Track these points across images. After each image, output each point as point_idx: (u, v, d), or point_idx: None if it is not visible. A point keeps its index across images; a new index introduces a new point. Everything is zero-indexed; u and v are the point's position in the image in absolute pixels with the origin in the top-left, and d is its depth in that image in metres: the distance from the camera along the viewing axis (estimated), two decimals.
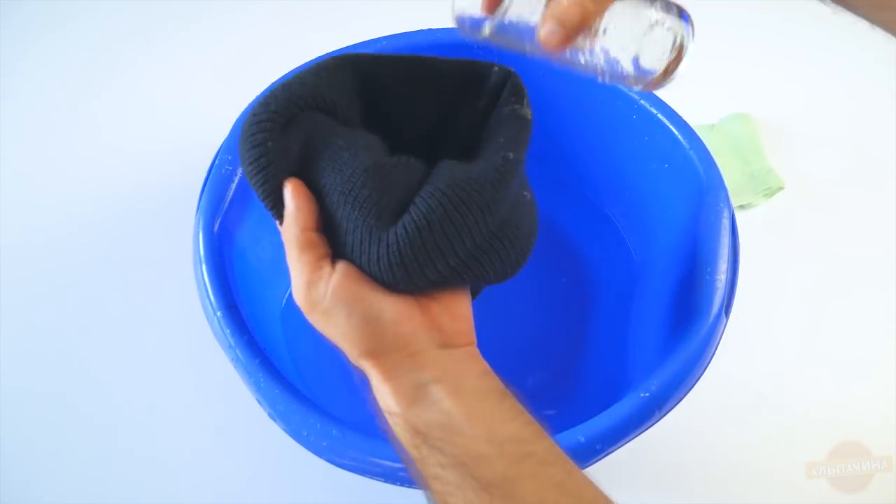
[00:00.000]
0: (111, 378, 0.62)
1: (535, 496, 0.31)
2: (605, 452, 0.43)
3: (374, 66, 0.38)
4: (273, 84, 0.37)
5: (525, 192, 0.38)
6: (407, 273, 0.33)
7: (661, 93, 0.57)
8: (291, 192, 0.34)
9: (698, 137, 0.55)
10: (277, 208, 0.35)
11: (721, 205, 0.52)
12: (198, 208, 0.51)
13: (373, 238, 0.33)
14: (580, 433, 0.43)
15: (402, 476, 0.41)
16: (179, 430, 0.60)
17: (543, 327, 0.64)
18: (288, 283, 0.36)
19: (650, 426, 0.45)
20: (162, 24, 0.85)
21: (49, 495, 0.57)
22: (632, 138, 0.59)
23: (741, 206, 0.71)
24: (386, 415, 0.34)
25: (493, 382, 0.34)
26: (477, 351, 0.36)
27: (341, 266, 0.34)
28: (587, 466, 0.43)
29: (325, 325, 0.34)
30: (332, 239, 0.35)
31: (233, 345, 0.46)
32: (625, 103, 0.57)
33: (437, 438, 0.32)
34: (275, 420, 0.45)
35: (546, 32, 0.32)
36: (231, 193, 0.52)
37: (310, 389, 0.46)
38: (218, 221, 0.51)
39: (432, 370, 0.33)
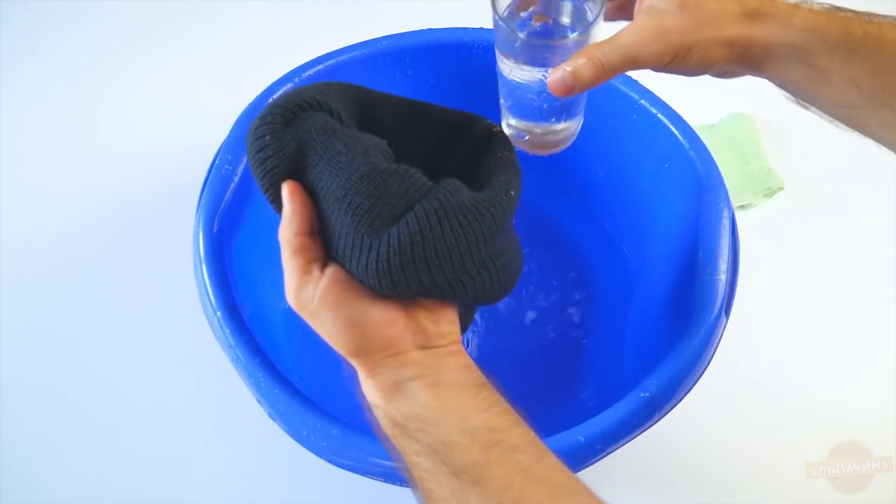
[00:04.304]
0: (112, 378, 0.62)
1: (502, 480, 0.32)
2: (605, 452, 0.43)
3: (372, 100, 0.40)
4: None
5: (515, 233, 0.40)
6: (392, 282, 0.34)
7: (661, 92, 0.57)
8: (288, 195, 0.36)
9: (698, 137, 0.55)
10: (277, 203, 0.37)
11: (721, 205, 0.52)
12: (198, 208, 0.51)
13: (363, 244, 0.34)
14: (580, 433, 0.43)
15: (402, 476, 0.41)
16: (179, 430, 0.60)
17: (543, 327, 0.64)
18: None
19: (650, 426, 0.45)
20: (163, 26, 0.85)
21: (50, 493, 0.57)
22: (632, 138, 0.59)
23: (741, 206, 0.71)
24: (371, 407, 0.36)
25: (472, 376, 0.36)
26: (460, 348, 0.37)
27: (330, 271, 0.36)
28: (587, 466, 0.43)
29: (313, 325, 0.36)
30: (326, 241, 0.36)
31: (233, 345, 0.46)
32: (625, 103, 0.57)
33: (414, 429, 0.34)
34: (275, 420, 0.45)
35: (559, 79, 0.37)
36: (231, 193, 0.52)
37: (310, 389, 0.46)
38: (218, 221, 0.51)
39: (412, 368, 0.35)
